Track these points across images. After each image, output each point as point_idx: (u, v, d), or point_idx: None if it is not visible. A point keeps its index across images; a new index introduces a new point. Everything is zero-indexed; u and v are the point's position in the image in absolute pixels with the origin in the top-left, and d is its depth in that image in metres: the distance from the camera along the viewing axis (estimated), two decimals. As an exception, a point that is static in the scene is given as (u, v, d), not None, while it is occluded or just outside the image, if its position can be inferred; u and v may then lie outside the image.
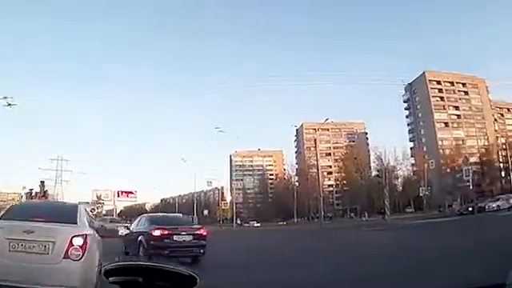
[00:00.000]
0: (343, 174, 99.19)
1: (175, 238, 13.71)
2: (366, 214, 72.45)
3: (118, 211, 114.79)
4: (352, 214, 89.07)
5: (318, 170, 62.10)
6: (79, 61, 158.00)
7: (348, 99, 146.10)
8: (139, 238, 14.32)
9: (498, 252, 10.36)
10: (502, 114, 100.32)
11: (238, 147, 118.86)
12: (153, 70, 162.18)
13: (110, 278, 1.94)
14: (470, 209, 45.80)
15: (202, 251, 13.95)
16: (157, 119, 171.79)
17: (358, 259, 14.13)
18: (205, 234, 14.72)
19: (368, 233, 33.53)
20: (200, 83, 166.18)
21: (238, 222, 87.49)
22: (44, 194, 22.25)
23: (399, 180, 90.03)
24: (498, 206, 42.63)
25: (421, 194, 66.15)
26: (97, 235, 7.49)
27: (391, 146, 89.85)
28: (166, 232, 13.68)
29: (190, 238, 14.01)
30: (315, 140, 61.76)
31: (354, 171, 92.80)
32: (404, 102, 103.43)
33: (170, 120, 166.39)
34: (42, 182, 20.72)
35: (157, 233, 13.64)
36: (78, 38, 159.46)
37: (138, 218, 17.59)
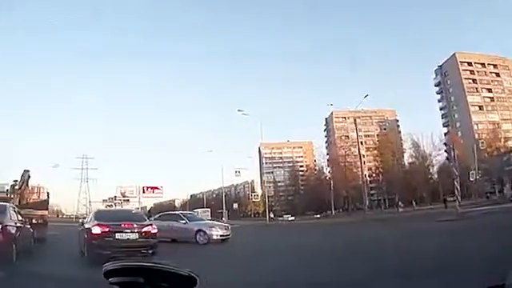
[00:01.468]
0: (377, 163, 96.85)
1: (117, 236, 12.37)
2: (401, 204, 68.49)
3: (148, 208, 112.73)
4: (387, 205, 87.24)
5: (360, 156, 57.10)
6: (100, 56, 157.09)
7: (378, 86, 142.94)
8: (84, 236, 13.17)
9: None
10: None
11: (265, 139, 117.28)
12: (177, 61, 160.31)
13: (111, 279, 1.92)
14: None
15: (150, 251, 12.60)
16: (183, 112, 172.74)
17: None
18: (154, 231, 13.42)
19: (452, 224, 26.31)
20: (226, 73, 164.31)
21: (272, 215, 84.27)
22: (20, 187, 21.83)
23: (434, 167, 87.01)
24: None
25: (471, 179, 58.99)
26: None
27: (425, 132, 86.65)
28: (107, 229, 12.34)
29: (136, 236, 12.72)
30: (355, 120, 57.81)
31: (390, 159, 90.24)
32: (435, 85, 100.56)
33: (196, 112, 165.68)
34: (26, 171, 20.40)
35: (96, 230, 12.35)
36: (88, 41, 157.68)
37: (91, 214, 16.23)
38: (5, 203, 12.27)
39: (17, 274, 8.87)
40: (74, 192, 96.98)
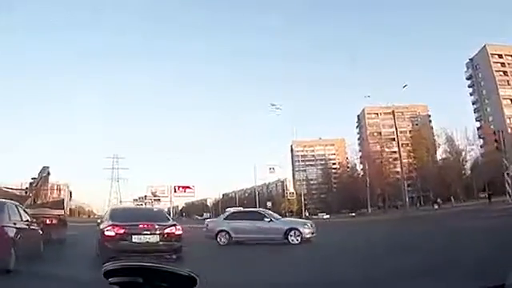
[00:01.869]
0: (411, 160, 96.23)
1: (135, 238, 11.06)
2: (439, 201, 65.75)
3: (180, 208, 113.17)
4: (422, 202, 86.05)
5: (399, 152, 56.30)
6: (128, 55, 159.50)
7: (408, 81, 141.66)
8: (98, 238, 11.84)
9: None
10: None
11: (297, 137, 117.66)
12: (205, 59, 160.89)
13: (110, 279, 1.94)
14: None
15: (174, 256, 11.12)
16: (215, 111, 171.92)
17: None
18: (178, 233, 11.89)
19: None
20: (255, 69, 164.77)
21: (306, 214, 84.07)
22: (37, 184, 20.51)
23: (468, 163, 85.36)
24: None
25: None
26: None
27: (458, 127, 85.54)
28: (122, 231, 11.03)
29: (156, 238, 11.34)
30: (393, 112, 53.62)
31: (424, 155, 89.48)
32: (467, 79, 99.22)
33: (228, 111, 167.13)
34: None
35: (109, 232, 11.08)
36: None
37: (106, 213, 14.37)
38: (5, 201, 10.99)
39: (19, 275, 8.39)
40: (106, 192, 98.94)
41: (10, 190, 23.16)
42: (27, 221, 11.59)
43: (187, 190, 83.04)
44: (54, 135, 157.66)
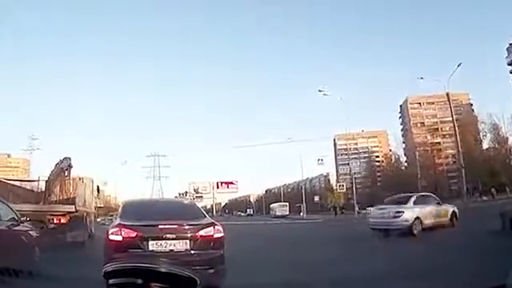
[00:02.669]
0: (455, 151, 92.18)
1: (152, 245, 7.56)
2: (494, 191, 63.80)
3: (223, 205, 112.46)
4: (471, 193, 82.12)
5: (457, 141, 50.71)
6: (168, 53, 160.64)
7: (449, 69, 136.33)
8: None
9: None
10: None
11: (341, 130, 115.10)
12: (248, 47, 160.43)
13: (110, 280, 1.93)
14: None
15: (211, 271, 7.29)
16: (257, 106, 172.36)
17: None
18: (218, 235, 8.04)
19: None
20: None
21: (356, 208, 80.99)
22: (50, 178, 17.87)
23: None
24: None
25: None
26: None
27: (502, 113, 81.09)
28: (134, 234, 7.58)
29: (185, 245, 7.70)
30: (447, 96, 49.03)
31: (471, 144, 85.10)
32: (508, 64, 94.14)
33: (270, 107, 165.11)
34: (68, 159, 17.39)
35: (115, 236, 7.68)
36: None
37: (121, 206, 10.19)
38: None
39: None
40: (149, 190, 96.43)
41: (16, 183, 20.24)
42: (13, 219, 9.21)
43: (230, 185, 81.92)
44: (95, 136, 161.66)
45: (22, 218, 9.62)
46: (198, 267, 6.60)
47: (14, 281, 3.81)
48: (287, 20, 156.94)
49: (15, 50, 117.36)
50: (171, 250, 7.56)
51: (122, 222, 7.94)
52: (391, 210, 18.56)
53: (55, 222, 15.27)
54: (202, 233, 7.90)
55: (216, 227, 8.12)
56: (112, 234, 7.76)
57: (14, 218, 9.31)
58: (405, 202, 19.20)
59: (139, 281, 1.87)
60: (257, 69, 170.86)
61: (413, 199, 19.42)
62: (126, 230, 7.65)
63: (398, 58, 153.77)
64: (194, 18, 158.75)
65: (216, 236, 8.00)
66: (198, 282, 1.93)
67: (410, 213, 18.00)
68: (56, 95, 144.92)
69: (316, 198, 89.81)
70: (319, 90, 54.51)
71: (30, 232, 9.84)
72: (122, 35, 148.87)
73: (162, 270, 1.91)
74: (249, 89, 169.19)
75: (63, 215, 15.78)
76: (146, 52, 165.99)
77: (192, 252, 7.67)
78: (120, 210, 9.42)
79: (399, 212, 18.05)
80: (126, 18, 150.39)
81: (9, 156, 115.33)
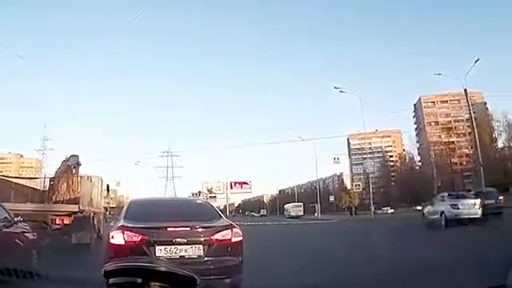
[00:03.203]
0: (470, 151, 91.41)
1: (159, 251, 6.66)
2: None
3: (236, 205, 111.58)
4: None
5: (475, 140, 48.40)
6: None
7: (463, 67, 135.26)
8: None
9: None
10: None
11: (355, 130, 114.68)
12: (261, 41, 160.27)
13: (110, 280, 1.93)
14: None
15: (228, 280, 6.46)
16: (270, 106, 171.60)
17: None
18: (237, 239, 7.16)
19: None
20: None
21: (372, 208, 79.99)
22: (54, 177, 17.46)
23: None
24: None
25: None
26: None
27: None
28: (139, 238, 6.71)
29: (199, 250, 6.81)
30: (465, 91, 47.52)
31: (487, 143, 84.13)
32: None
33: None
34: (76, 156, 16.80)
35: (117, 239, 6.80)
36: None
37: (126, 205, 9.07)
38: None
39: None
40: (162, 190, 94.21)
41: (20, 182, 19.21)
42: (6, 220, 8.56)
43: (244, 185, 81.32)
44: (107, 137, 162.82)
45: (16, 218, 8.93)
46: (212, 276, 5.87)
47: (13, 281, 3.70)
48: (311, 21, 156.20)
49: (26, 47, 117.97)
50: (182, 257, 6.71)
51: (125, 224, 7.08)
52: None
53: (57, 222, 14.34)
54: (217, 236, 7.03)
55: (234, 230, 7.25)
56: (113, 237, 6.86)
57: (6, 218, 8.61)
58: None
59: (139, 280, 1.88)
60: (270, 68, 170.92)
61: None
62: (129, 233, 6.77)
63: (410, 56, 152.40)
64: (215, 15, 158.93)
65: (234, 240, 7.13)
66: (198, 281, 1.94)
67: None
68: (69, 96, 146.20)
69: (331, 199, 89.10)
70: (335, 87, 53.31)
71: (26, 233, 9.09)
72: (137, 34, 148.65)
73: (162, 269, 1.93)
74: (262, 87, 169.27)
75: (67, 215, 14.78)
76: (162, 52, 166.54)
77: (206, 259, 6.81)
78: (124, 209, 8.23)
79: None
80: (141, 16, 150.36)
81: (21, 156, 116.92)
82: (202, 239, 6.90)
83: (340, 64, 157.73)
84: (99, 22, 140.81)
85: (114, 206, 49.27)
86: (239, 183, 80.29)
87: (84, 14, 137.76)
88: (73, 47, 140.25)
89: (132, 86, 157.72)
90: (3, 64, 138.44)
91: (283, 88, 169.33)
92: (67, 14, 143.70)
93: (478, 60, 43.15)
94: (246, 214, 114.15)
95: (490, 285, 3.31)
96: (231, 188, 79.78)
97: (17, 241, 8.45)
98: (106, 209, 27.12)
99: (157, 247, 6.65)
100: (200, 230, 7.07)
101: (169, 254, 6.61)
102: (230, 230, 7.15)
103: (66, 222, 14.42)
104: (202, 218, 7.54)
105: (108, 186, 25.15)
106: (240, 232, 7.26)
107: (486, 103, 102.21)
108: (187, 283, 1.91)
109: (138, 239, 6.68)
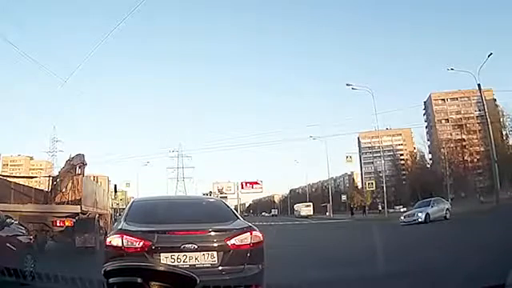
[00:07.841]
0: (481, 148, 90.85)
1: (165, 259, 5.67)
2: None
3: (247, 205, 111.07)
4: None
5: (489, 135, 46.58)
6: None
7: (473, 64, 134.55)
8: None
9: None
10: None
11: (365, 128, 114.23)
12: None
13: (110, 279, 1.93)
14: None
15: None
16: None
17: None
18: (257, 241, 6.11)
19: None
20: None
21: (380, 207, 76.88)
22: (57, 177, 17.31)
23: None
24: None
25: None
26: None
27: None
28: (141, 244, 5.70)
29: (212, 258, 5.80)
30: (479, 85, 46.04)
31: (499, 141, 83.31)
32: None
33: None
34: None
35: (115, 246, 5.83)
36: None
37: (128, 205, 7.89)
38: None
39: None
40: (172, 191, 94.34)
41: (21, 182, 18.24)
42: None
43: (255, 185, 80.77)
44: (117, 138, 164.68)
45: (7, 220, 8.14)
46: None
47: (13, 281, 3.65)
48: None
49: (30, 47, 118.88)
50: (192, 266, 5.62)
51: (125, 227, 6.08)
52: None
53: (59, 224, 13.50)
54: (234, 241, 5.94)
55: (254, 233, 6.15)
56: (110, 243, 5.91)
57: None
58: None
59: (139, 280, 1.87)
60: (281, 67, 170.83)
61: None
62: (129, 238, 5.78)
63: (420, 54, 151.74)
64: (220, 16, 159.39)
65: (254, 246, 6.05)
66: (198, 281, 1.93)
67: None
68: (79, 98, 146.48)
69: (343, 198, 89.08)
70: (347, 84, 52.63)
71: (19, 237, 8.21)
72: (148, 33, 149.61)
73: (162, 268, 1.93)
74: (273, 87, 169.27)
75: (69, 217, 13.83)
76: (172, 51, 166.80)
77: (221, 268, 5.77)
78: (125, 210, 7.24)
79: None
80: (155, 18, 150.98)
81: (31, 158, 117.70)
82: (216, 245, 5.89)
83: (351, 63, 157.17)
84: (109, 22, 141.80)
85: (124, 207, 49.37)
86: (250, 183, 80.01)
87: (93, 16, 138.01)
88: (81, 48, 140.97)
89: (143, 86, 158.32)
90: (12, 66, 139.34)
91: (294, 87, 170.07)
92: (75, 17, 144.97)
93: (491, 54, 42.23)
94: (257, 214, 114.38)
95: (490, 285, 3.25)
96: (242, 188, 79.61)
97: (8, 245, 7.52)
98: (114, 210, 26.32)
99: (162, 254, 5.70)
100: (213, 233, 6.08)
101: (176, 263, 5.62)
102: (248, 234, 6.09)
103: (67, 223, 13.62)
104: (215, 220, 6.55)
105: (115, 187, 25.19)
106: (260, 235, 6.22)
107: (495, 100, 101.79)
108: (187, 283, 1.91)
109: (140, 245, 5.70)
